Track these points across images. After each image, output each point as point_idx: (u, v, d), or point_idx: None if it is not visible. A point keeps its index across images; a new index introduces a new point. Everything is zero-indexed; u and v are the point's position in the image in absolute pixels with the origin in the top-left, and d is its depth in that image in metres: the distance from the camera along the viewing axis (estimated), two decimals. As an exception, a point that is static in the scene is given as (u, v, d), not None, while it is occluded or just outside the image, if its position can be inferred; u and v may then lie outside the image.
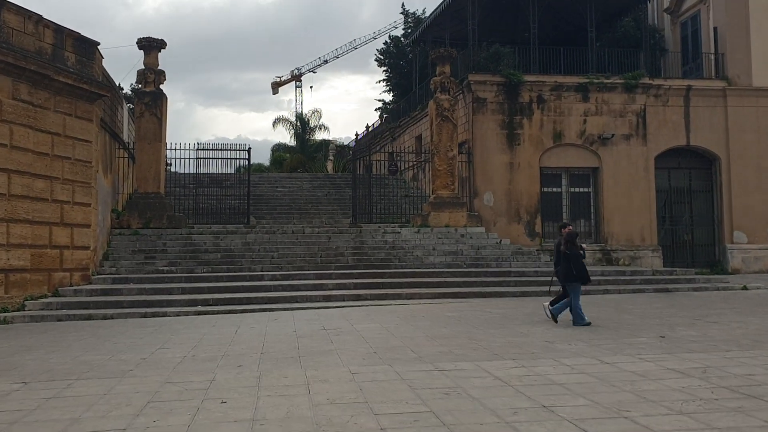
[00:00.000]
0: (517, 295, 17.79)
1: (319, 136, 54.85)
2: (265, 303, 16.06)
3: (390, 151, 33.99)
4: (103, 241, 19.42)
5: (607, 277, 19.94)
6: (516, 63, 26.02)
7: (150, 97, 22.20)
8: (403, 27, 46.63)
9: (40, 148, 15.73)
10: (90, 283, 17.12)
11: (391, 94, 45.48)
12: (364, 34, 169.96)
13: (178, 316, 14.77)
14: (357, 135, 49.93)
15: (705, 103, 25.82)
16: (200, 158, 23.58)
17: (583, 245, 13.74)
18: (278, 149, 55.90)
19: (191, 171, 23.94)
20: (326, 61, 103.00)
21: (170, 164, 24.57)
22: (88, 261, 17.24)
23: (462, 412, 6.23)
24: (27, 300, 15.16)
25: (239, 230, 22.01)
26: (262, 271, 19.01)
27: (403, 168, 31.49)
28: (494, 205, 24.47)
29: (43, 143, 15.82)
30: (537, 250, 22.94)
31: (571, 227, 13.47)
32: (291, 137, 55.07)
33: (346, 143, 54.72)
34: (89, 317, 14.55)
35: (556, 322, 12.49)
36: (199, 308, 15.40)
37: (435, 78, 24.39)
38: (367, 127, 48.75)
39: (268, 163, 54.21)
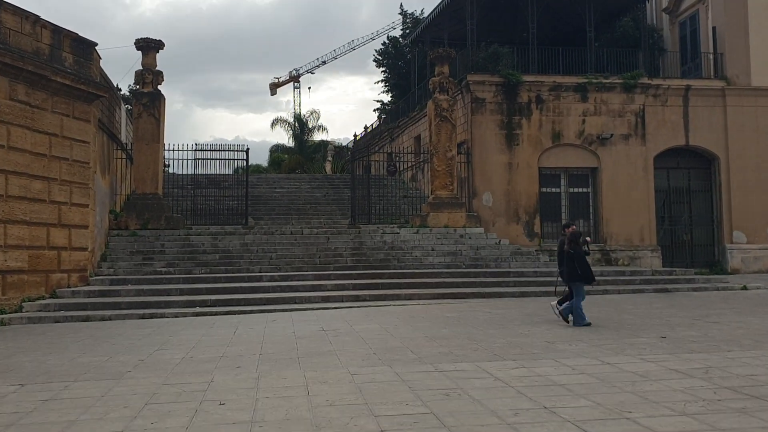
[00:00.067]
0: (517, 296, 17.75)
1: (318, 137, 54.89)
2: (264, 304, 16.00)
3: (389, 151, 33.94)
4: (101, 242, 19.35)
5: (607, 277, 19.88)
6: (515, 63, 25.99)
7: (148, 97, 22.14)
8: (401, 27, 46.62)
9: (37, 148, 15.66)
10: (88, 285, 17.05)
11: (390, 94, 45.47)
12: (362, 35, 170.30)
13: (176, 317, 14.70)
14: (355, 136, 49.90)
15: (704, 103, 25.79)
16: (198, 159, 23.53)
17: (588, 238, 13.66)
18: (276, 150, 55.90)
19: (189, 172, 23.92)
20: (324, 62, 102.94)
21: (168, 165, 24.51)
22: (86, 262, 17.17)
23: (463, 414, 6.17)
24: (24, 301, 15.09)
25: (237, 231, 21.95)
26: (260, 272, 18.95)
27: (401, 168, 31.43)
28: (493, 205, 24.43)
29: (40, 144, 15.76)
30: (536, 251, 22.90)
31: (574, 227, 13.37)
32: (289, 138, 55.09)
33: (344, 144, 54.71)
34: (87, 318, 14.49)
35: (567, 322, 12.38)
36: (198, 309, 15.34)
37: (434, 78, 24.35)
38: (366, 127, 48.72)
39: (267, 164, 54.18)
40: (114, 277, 18.06)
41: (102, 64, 18.85)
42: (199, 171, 23.86)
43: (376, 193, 25.17)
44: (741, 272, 24.99)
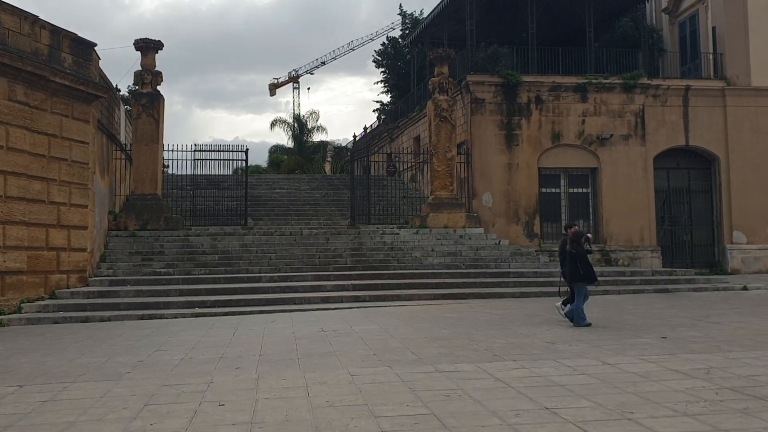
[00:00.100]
0: (517, 296, 17.72)
1: (317, 137, 54.90)
2: (263, 305, 15.96)
3: (388, 152, 33.92)
4: (100, 243, 19.32)
5: (607, 277, 19.84)
6: (514, 63, 25.96)
7: (147, 98, 22.11)
8: (400, 28, 46.57)
9: (36, 149, 15.63)
10: (87, 285, 17.01)
11: (389, 95, 45.44)
12: (361, 36, 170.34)
13: (175, 318, 14.66)
14: (355, 136, 49.89)
15: (704, 103, 25.76)
16: (197, 160, 23.50)
17: (589, 235, 13.60)
18: (276, 151, 55.89)
19: (188, 172, 23.86)
20: (324, 63, 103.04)
21: (167, 166, 24.48)
22: (85, 263, 17.13)
23: (463, 415, 6.14)
24: (23, 302, 15.05)
25: (237, 232, 21.91)
26: (259, 273, 18.92)
27: (401, 169, 31.41)
28: (493, 205, 24.40)
29: (39, 145, 15.72)
30: (536, 251, 22.88)
31: (577, 227, 13.29)
32: (288, 139, 55.10)
33: (344, 145, 54.70)
34: (86, 319, 14.46)
35: (589, 324, 12.23)
36: (197, 310, 15.30)
37: (433, 79, 24.32)
38: (365, 128, 48.71)
39: (266, 165, 54.16)
40: (113, 277, 18.02)
41: (101, 64, 18.82)
42: (199, 171, 23.82)
43: (376, 193, 25.14)
44: (741, 272, 24.95)
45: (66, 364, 9.24)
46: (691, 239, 26.14)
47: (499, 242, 22.70)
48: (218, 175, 24.80)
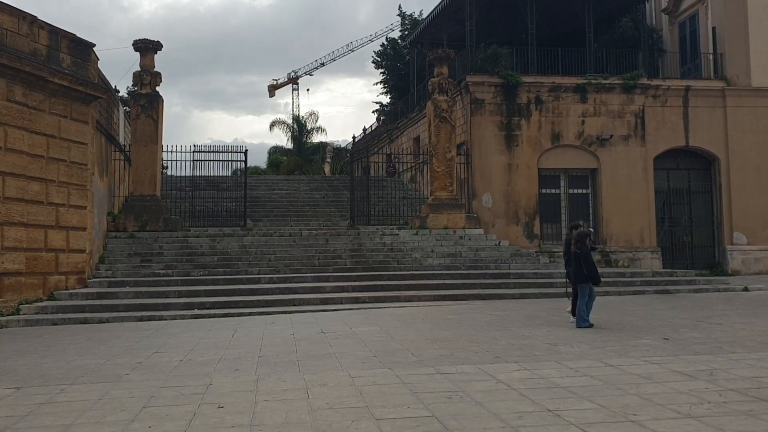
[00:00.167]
0: (517, 297, 17.66)
1: (316, 138, 54.91)
2: (263, 306, 15.91)
3: (388, 152, 33.88)
4: (99, 244, 19.25)
5: (607, 278, 19.71)
6: (514, 64, 25.91)
7: (146, 99, 22.05)
8: (400, 29, 46.58)
9: (35, 150, 15.56)
10: (86, 287, 16.95)
11: (389, 96, 45.42)
12: (360, 37, 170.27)
13: (174, 319, 14.61)
14: (354, 137, 49.84)
15: (704, 104, 25.71)
16: (197, 161, 23.46)
17: (591, 229, 13.53)
18: (275, 152, 55.87)
19: (187, 174, 23.79)
20: (323, 64, 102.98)
21: (166, 167, 24.42)
22: (84, 264, 17.07)
23: (465, 417, 6.08)
24: (22, 304, 14.98)
25: (236, 233, 21.85)
26: (259, 274, 18.86)
27: (401, 170, 31.37)
28: (493, 206, 24.35)
29: (38, 145, 15.66)
30: (536, 252, 22.83)
31: (582, 227, 13.18)
32: (288, 140, 55.08)
33: (343, 146, 54.65)
34: (85, 321, 14.40)
35: (591, 325, 12.18)
36: (196, 312, 15.24)
37: (433, 79, 24.27)
38: (365, 129, 48.66)
39: (265, 166, 54.12)
40: (112, 279, 17.96)
41: (100, 66, 18.77)
42: (198, 173, 23.78)
43: (375, 194, 25.08)
44: (741, 273, 24.90)
45: (64, 366, 9.17)
46: (691, 240, 26.09)
47: (499, 243, 22.65)
48: (217, 176, 24.74)
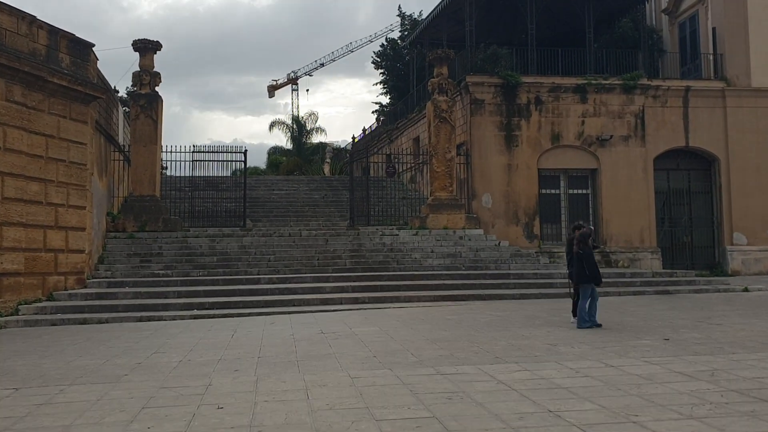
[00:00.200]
0: (517, 298, 17.64)
1: (316, 139, 54.90)
2: (262, 306, 15.88)
3: (387, 153, 33.85)
4: (99, 245, 19.22)
5: (607, 279, 19.59)
6: (514, 64, 25.89)
7: (145, 99, 22.02)
8: (399, 29, 46.57)
9: (34, 150, 15.53)
10: (85, 287, 16.91)
11: (388, 96, 45.39)
12: (360, 37, 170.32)
13: (174, 320, 14.58)
14: (354, 138, 49.83)
15: (704, 104, 25.69)
16: (196, 161, 23.44)
17: (592, 227, 13.48)
18: (275, 152, 55.83)
19: (187, 174, 23.76)
20: (323, 65, 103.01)
21: (166, 168, 24.39)
22: (83, 264, 17.04)
23: (466, 418, 6.05)
24: (21, 304, 14.95)
25: (235, 233, 21.82)
26: (258, 275, 18.83)
27: (400, 170, 31.34)
28: (492, 206, 24.32)
29: (37, 145, 15.63)
30: (536, 252, 22.80)
31: (585, 228, 13.12)
32: (287, 140, 55.07)
33: (342, 146, 54.65)
34: (84, 321, 14.37)
35: (599, 326, 12.14)
36: (195, 312, 15.22)
37: (432, 79, 24.24)
38: (364, 129, 48.66)
39: (265, 166, 54.11)
40: (111, 279, 17.93)
41: (99, 66, 18.74)
42: (197, 173, 23.76)
43: (375, 194, 25.05)
44: (741, 274, 24.88)
45: (63, 367, 9.14)
46: (691, 240, 26.06)
47: (498, 243, 22.62)
48: (217, 176, 24.75)
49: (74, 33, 17.07)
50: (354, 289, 17.71)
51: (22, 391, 7.60)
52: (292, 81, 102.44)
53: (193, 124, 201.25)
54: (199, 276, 18.62)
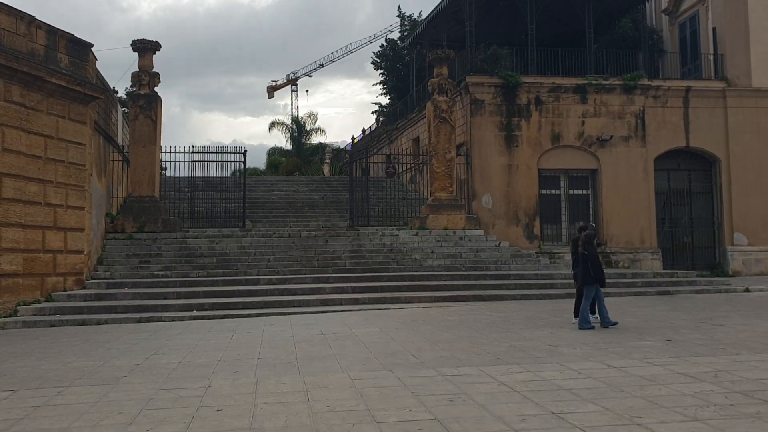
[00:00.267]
0: (517, 298, 17.58)
1: (316, 139, 54.81)
2: (262, 307, 15.81)
3: (387, 153, 33.79)
4: (98, 245, 19.15)
5: (608, 279, 19.34)
6: (514, 64, 25.82)
7: (144, 99, 21.96)
8: (399, 30, 46.48)
9: (32, 150, 15.46)
10: (84, 288, 16.84)
11: (388, 97, 45.31)
12: (359, 38, 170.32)
13: (173, 321, 14.51)
14: (353, 138, 49.77)
15: (704, 104, 25.64)
16: (195, 162, 23.37)
17: (593, 224, 13.46)
18: (274, 153, 55.75)
19: (186, 175, 23.69)
20: (322, 65, 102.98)
21: (165, 168, 24.32)
22: (82, 265, 16.97)
23: (468, 420, 5.99)
24: (19, 305, 14.88)
25: (235, 234, 21.75)
26: (258, 275, 18.76)
27: (400, 170, 31.28)
28: (493, 207, 24.26)
29: (35, 146, 15.56)
30: (536, 253, 22.74)
31: (589, 230, 13.07)
32: (287, 141, 54.98)
33: (342, 147, 54.59)
34: (83, 323, 14.30)
35: (615, 324, 12.09)
36: (195, 313, 15.15)
37: (432, 80, 24.18)
38: (364, 130, 48.60)
39: (264, 167, 54.04)
40: (110, 280, 17.87)
41: (98, 66, 18.67)
42: (196, 174, 23.68)
43: (375, 195, 24.99)
44: (742, 274, 24.83)
45: (61, 368, 9.08)
46: (691, 241, 26.00)
47: (499, 244, 22.55)
48: (216, 177, 24.65)
49: (73, 33, 17.01)
50: (354, 290, 17.65)
51: (20, 393, 7.54)
52: (292, 82, 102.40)
53: (192, 124, 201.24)
54: (199, 277, 18.55)
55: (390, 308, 16.07)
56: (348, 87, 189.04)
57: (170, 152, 23.10)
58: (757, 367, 8.15)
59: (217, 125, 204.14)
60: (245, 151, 23.67)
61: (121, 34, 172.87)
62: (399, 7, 50.97)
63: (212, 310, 15.48)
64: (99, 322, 14.34)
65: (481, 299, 17.40)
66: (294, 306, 16.19)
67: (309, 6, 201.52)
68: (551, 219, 24.81)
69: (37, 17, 15.93)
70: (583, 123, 24.98)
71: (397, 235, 22.20)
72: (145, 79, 22.06)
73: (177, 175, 23.87)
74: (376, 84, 48.70)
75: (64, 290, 16.24)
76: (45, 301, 15.59)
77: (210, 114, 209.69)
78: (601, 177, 24.96)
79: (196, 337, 11.86)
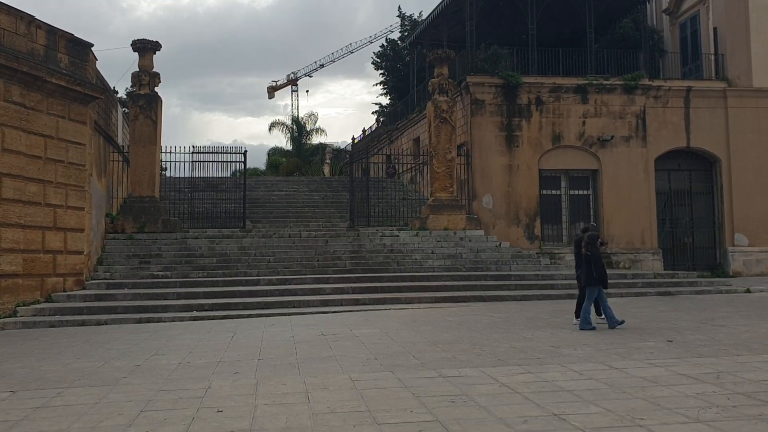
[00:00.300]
0: (518, 299, 17.56)
1: (316, 139, 54.84)
2: (262, 308, 15.78)
3: (387, 153, 33.77)
4: (98, 246, 19.12)
5: (609, 280, 19.39)
6: (514, 64, 25.81)
7: (145, 99, 21.93)
8: (399, 30, 46.51)
9: (32, 151, 15.44)
10: (84, 289, 16.81)
11: (388, 97, 45.32)
12: (360, 38, 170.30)
13: (173, 321, 14.48)
14: (354, 138, 49.75)
15: (705, 104, 25.62)
16: (195, 162, 23.36)
17: (593, 224, 13.42)
18: (274, 153, 55.76)
19: (186, 175, 23.68)
20: (322, 66, 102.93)
21: (165, 168, 24.31)
22: (82, 266, 16.94)
23: (469, 421, 5.96)
24: (19, 306, 14.85)
25: (235, 234, 21.72)
26: (258, 276, 18.73)
27: (400, 171, 31.25)
28: (493, 207, 24.24)
29: (35, 146, 15.54)
30: (537, 253, 22.72)
31: (592, 231, 13.04)
32: (287, 141, 55.02)
33: (342, 147, 54.57)
34: (83, 323, 14.26)
35: (622, 322, 12.08)
36: (195, 314, 15.12)
37: (433, 80, 24.16)
38: (364, 130, 48.57)
39: (264, 167, 54.04)
40: (110, 281, 17.84)
41: (99, 66, 18.65)
42: (197, 174, 23.66)
43: (375, 195, 24.96)
44: (743, 275, 24.80)
45: (61, 369, 9.05)
46: (692, 241, 25.98)
47: (499, 244, 22.53)
48: (216, 177, 24.64)
49: (73, 33, 16.98)
50: (354, 291, 17.63)
51: (19, 394, 7.51)
52: (292, 82, 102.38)
53: (192, 125, 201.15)
54: (199, 277, 18.52)
55: (390, 309, 16.04)
56: (348, 87, 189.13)
57: (170, 152, 23.11)
58: (760, 368, 8.11)
59: (217, 125, 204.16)
60: (245, 151, 23.67)
61: (121, 34, 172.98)
62: (399, 7, 51.04)
63: (212, 310, 15.45)
64: (99, 323, 14.31)
65: (481, 300, 17.38)
66: (294, 306, 16.16)
67: (309, 6, 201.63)
68: (552, 219, 24.79)
69: (36, 17, 15.90)
70: (583, 123, 24.96)
71: (398, 236, 22.17)
72: (145, 79, 22.04)
73: (177, 175, 23.87)
74: (376, 84, 48.77)
75: (64, 291, 16.21)
76: (45, 302, 15.57)
77: (210, 114, 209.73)
78: (601, 177, 24.94)
79: (196, 337, 11.83)
